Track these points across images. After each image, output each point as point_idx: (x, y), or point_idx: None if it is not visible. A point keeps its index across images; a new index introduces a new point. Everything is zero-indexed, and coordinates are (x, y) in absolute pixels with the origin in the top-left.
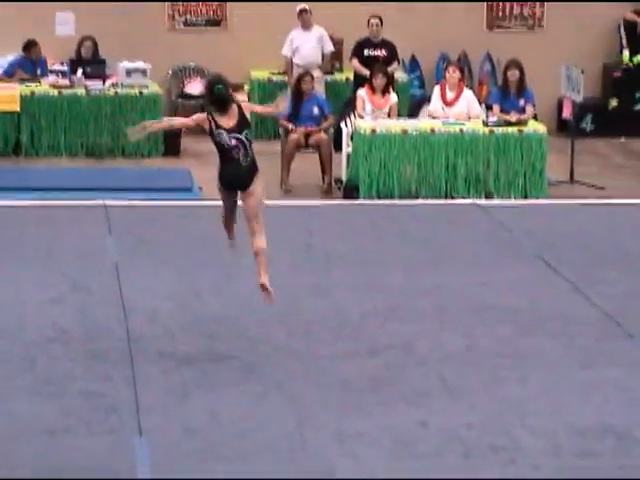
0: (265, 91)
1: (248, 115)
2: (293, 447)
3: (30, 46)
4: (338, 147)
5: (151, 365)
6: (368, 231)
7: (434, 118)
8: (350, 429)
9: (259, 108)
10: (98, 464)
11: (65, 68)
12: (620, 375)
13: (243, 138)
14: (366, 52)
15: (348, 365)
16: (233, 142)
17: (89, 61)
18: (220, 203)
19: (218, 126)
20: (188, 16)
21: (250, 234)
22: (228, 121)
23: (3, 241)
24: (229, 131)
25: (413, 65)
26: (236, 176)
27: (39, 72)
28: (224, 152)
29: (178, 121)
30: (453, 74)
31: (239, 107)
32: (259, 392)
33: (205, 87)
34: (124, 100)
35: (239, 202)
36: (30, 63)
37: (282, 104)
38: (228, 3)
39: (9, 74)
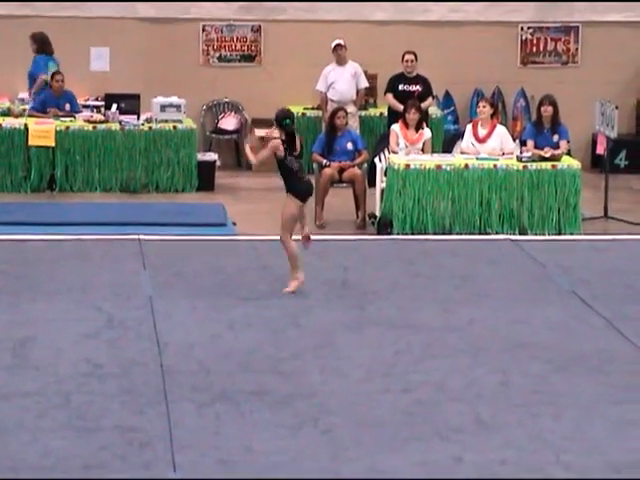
0: (299, 126)
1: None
2: None
3: (52, 76)
4: (372, 182)
5: (185, 400)
6: (402, 266)
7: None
8: (384, 464)
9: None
10: None
11: (99, 103)
12: None
13: (302, 162)
14: (400, 87)
15: (381, 401)
16: (297, 166)
17: (123, 96)
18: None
19: (291, 153)
20: (222, 52)
21: (301, 227)
22: (294, 149)
23: (38, 276)
24: (296, 157)
25: (447, 100)
26: (310, 188)
27: (68, 107)
28: (294, 174)
29: (264, 155)
30: (484, 109)
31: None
32: (293, 425)
33: (275, 120)
34: (158, 135)
35: None
36: (54, 97)
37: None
38: (262, 39)
39: (37, 110)
